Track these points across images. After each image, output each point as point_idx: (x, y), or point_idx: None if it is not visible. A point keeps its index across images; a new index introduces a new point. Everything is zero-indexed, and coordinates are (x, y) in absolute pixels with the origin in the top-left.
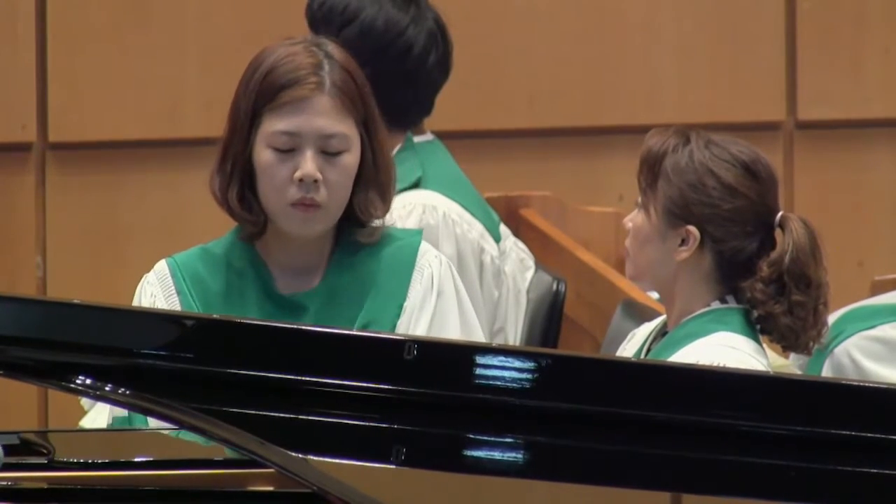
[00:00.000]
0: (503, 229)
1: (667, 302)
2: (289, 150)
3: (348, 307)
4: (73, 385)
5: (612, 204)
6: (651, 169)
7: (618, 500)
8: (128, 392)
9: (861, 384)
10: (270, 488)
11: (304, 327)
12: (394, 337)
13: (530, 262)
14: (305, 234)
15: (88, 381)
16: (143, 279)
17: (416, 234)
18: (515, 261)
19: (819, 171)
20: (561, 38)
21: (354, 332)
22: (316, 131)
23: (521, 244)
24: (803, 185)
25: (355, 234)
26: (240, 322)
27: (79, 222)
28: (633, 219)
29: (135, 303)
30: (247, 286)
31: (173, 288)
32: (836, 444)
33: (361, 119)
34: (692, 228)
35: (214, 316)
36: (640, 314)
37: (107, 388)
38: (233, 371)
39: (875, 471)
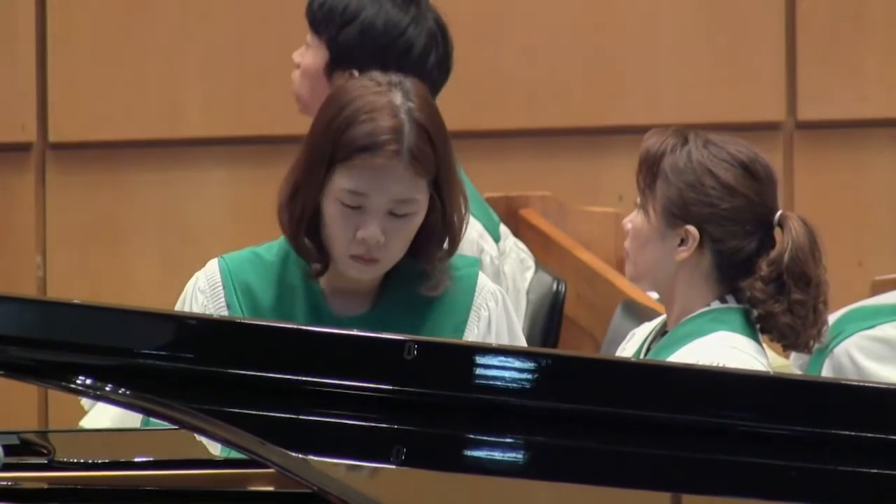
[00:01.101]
0: (503, 229)
1: (667, 302)
2: (356, 206)
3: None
4: (73, 385)
5: (612, 204)
6: (650, 169)
7: (618, 500)
8: (128, 392)
9: (861, 384)
10: (270, 488)
11: (304, 327)
12: (394, 337)
13: (530, 262)
14: (361, 279)
15: (88, 381)
16: (193, 280)
17: (474, 265)
18: (515, 261)
19: (819, 171)
20: (561, 37)
21: (354, 332)
22: (386, 198)
23: (520, 244)
24: (803, 185)
25: (413, 270)
26: (240, 322)
27: (79, 222)
28: (633, 220)
29: (183, 303)
30: (297, 303)
31: (223, 300)
32: (836, 444)
33: (434, 178)
34: (691, 228)
35: (214, 316)
36: (640, 314)
37: (107, 388)
38: (233, 371)
39: (875, 471)
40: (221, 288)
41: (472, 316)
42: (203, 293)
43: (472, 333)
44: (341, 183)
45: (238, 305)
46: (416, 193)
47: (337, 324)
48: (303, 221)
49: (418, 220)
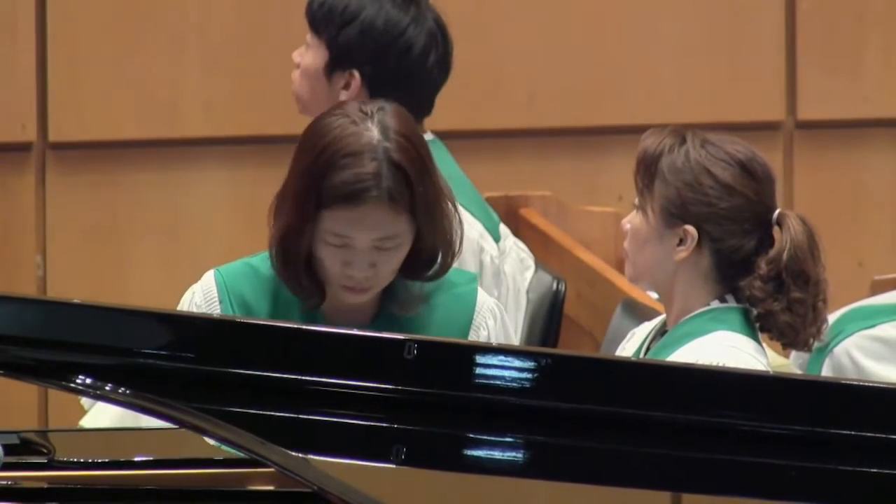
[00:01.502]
0: (503, 229)
1: (666, 302)
2: (342, 245)
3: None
4: (73, 385)
5: (612, 204)
6: (648, 169)
7: (618, 500)
8: (128, 392)
9: (861, 384)
10: (270, 488)
11: (304, 327)
12: (394, 337)
13: (530, 261)
14: (354, 304)
15: (88, 381)
16: (189, 293)
17: (473, 281)
18: (515, 260)
19: (819, 171)
20: (561, 38)
21: (355, 332)
22: (369, 239)
23: (520, 244)
24: (803, 185)
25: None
26: (240, 322)
27: (79, 222)
28: (631, 220)
29: None
30: (293, 315)
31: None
32: (836, 444)
33: (415, 209)
34: (690, 228)
35: (214, 316)
36: (640, 314)
37: (107, 388)
38: (233, 371)
39: (875, 471)
40: (218, 303)
41: (472, 335)
42: (199, 308)
43: None
44: (326, 226)
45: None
46: (398, 229)
47: None
48: (298, 266)
49: (405, 248)
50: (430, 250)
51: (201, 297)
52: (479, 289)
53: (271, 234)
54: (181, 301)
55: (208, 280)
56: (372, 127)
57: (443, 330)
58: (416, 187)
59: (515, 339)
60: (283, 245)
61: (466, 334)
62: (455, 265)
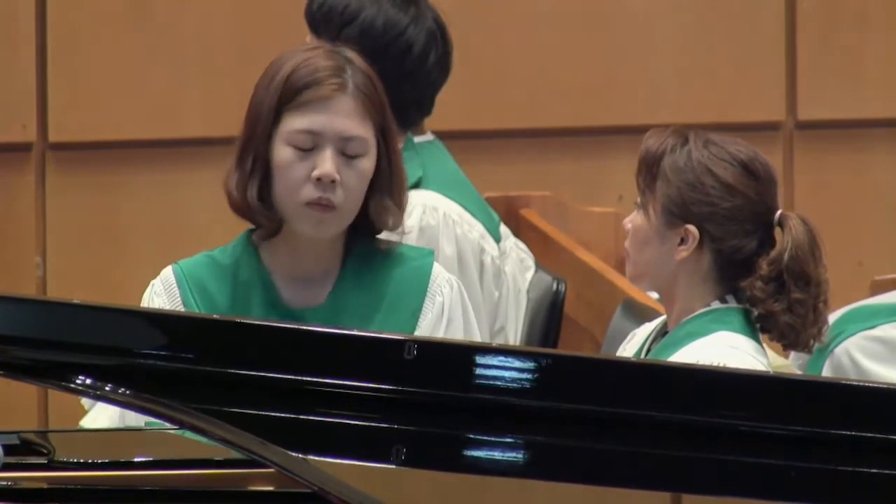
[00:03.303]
0: (503, 229)
1: (667, 302)
2: (308, 149)
3: (355, 326)
4: (73, 385)
5: (612, 204)
6: (649, 169)
7: (618, 500)
8: (128, 392)
9: (861, 384)
10: (270, 488)
11: (303, 327)
12: (394, 337)
13: (530, 262)
14: (318, 235)
15: (88, 381)
16: (150, 286)
17: (429, 255)
18: (515, 261)
19: (819, 171)
20: (561, 38)
21: (354, 332)
22: (337, 132)
23: (521, 244)
24: (803, 185)
25: (366, 246)
26: (240, 322)
27: (79, 222)
28: (633, 219)
29: None
30: (253, 299)
31: (179, 299)
32: (836, 444)
33: (379, 126)
34: (691, 228)
35: (214, 316)
36: (640, 314)
37: (107, 388)
38: (233, 371)
39: (875, 471)
40: (177, 288)
41: (427, 302)
42: (159, 296)
43: (427, 319)
44: (291, 124)
45: (194, 303)
46: (364, 132)
47: (292, 316)
48: (254, 176)
49: (369, 165)
50: (389, 180)
51: (160, 286)
52: (436, 263)
53: (229, 166)
54: (143, 297)
55: (166, 272)
56: (332, 52)
57: (398, 302)
58: (381, 96)
59: (477, 319)
60: (242, 160)
61: (422, 303)
62: (455, 266)
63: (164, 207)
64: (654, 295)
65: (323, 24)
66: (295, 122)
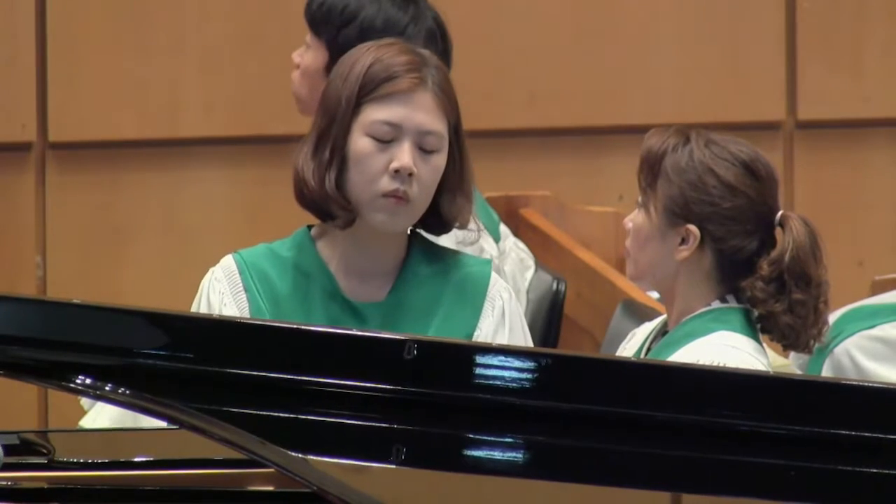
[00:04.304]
0: (503, 229)
1: (667, 301)
2: (387, 140)
3: (414, 325)
4: (73, 385)
5: (612, 204)
6: (651, 168)
7: (618, 500)
8: (128, 392)
9: (861, 384)
10: (270, 488)
11: (303, 327)
12: (394, 337)
13: (530, 261)
14: (390, 227)
15: (88, 381)
16: (209, 273)
17: (487, 264)
18: (515, 260)
19: (819, 171)
20: (561, 38)
21: (354, 332)
22: (416, 125)
23: (520, 244)
24: (803, 185)
25: (427, 247)
26: (240, 322)
27: (79, 222)
28: (634, 219)
29: (201, 297)
30: (313, 289)
31: (241, 285)
32: (835, 444)
33: (453, 123)
34: (692, 227)
35: (214, 316)
36: (640, 314)
37: (107, 388)
38: (233, 371)
39: (875, 471)
40: (238, 273)
41: (487, 305)
42: (220, 282)
43: (488, 320)
44: (371, 115)
45: (255, 290)
46: (441, 128)
47: (352, 309)
48: (332, 166)
49: (443, 161)
50: (458, 179)
51: (221, 272)
52: (493, 272)
53: (299, 156)
54: (200, 285)
55: (227, 260)
56: (410, 48)
57: (457, 304)
58: (455, 97)
59: (527, 330)
60: (319, 151)
61: (481, 306)
62: None
63: (163, 207)
64: (655, 294)
65: (323, 23)
66: (376, 114)
